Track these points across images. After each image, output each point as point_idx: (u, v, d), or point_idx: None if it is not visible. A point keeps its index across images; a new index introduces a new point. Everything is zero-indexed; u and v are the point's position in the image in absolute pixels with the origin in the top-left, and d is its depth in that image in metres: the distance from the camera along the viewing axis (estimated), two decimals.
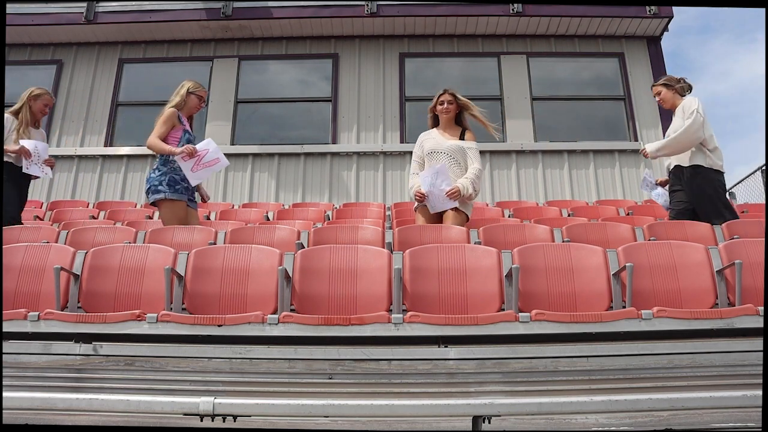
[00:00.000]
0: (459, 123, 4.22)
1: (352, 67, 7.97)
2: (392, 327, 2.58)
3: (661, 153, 4.06)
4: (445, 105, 4.11)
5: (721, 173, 4.05)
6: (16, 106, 4.38)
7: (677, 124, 4.12)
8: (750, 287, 2.94)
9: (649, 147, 4.12)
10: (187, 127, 4.17)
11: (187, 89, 4.18)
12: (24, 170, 4.22)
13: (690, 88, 4.29)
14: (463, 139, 4.13)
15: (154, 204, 4.09)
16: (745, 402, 1.90)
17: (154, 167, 4.09)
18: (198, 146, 3.99)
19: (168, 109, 4.08)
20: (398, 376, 2.44)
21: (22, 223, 4.29)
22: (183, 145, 3.98)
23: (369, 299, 2.97)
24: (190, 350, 2.55)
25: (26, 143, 4.23)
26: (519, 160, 7.49)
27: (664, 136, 4.65)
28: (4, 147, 4.16)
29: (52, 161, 4.44)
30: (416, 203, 4.12)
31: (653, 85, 4.39)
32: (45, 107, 4.49)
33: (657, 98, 4.33)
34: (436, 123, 4.24)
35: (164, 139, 4.00)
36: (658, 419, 2.33)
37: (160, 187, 3.98)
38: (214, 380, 2.46)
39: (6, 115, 4.32)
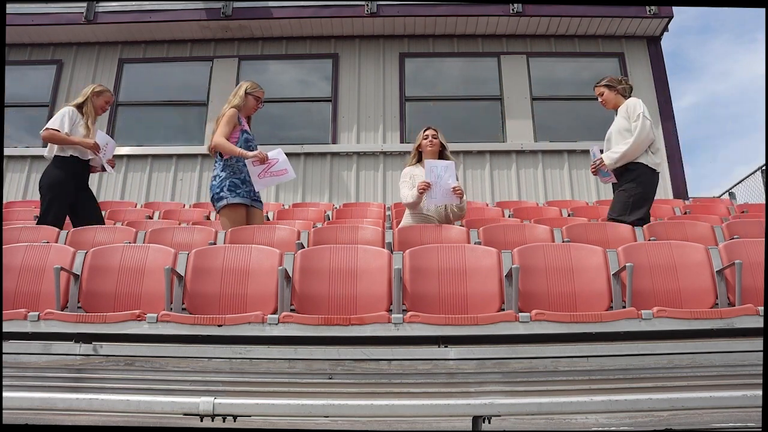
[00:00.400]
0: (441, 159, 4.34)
1: (352, 67, 7.98)
2: (392, 327, 2.58)
3: (619, 164, 4.02)
4: (430, 139, 4.24)
5: (657, 173, 4.09)
6: (78, 100, 4.38)
7: (621, 124, 4.12)
8: (750, 287, 2.94)
9: (607, 160, 4.05)
10: (246, 127, 4.13)
11: (245, 90, 4.16)
12: (92, 163, 4.27)
13: (631, 89, 4.31)
14: None
15: (220, 212, 4.04)
16: (745, 402, 1.90)
17: (214, 174, 4.05)
18: (269, 154, 3.94)
19: (229, 110, 4.05)
20: (398, 376, 2.44)
21: (60, 225, 4.20)
22: (241, 146, 3.96)
23: (369, 299, 2.97)
24: (190, 350, 2.55)
25: (100, 138, 4.25)
26: (519, 160, 7.49)
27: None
28: (74, 139, 4.17)
29: (113, 162, 4.46)
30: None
31: (595, 86, 4.36)
32: (106, 104, 4.49)
33: (599, 99, 4.32)
34: (418, 159, 4.33)
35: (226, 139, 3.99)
36: (658, 419, 2.33)
37: (221, 194, 3.94)
38: (214, 380, 2.46)
39: (69, 107, 4.31)
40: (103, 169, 4.43)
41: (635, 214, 3.95)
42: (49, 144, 4.27)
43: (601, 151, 4.21)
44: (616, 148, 4.06)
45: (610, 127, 4.29)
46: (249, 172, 3.94)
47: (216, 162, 4.08)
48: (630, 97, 4.26)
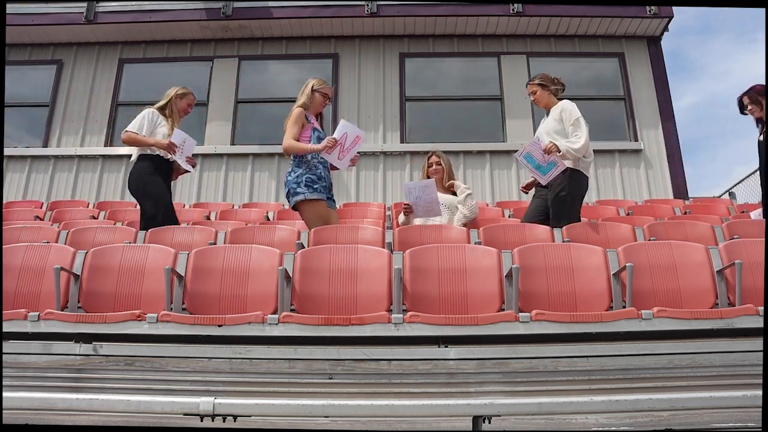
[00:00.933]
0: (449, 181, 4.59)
1: (352, 67, 7.97)
2: (392, 327, 2.58)
3: (565, 159, 3.96)
4: (434, 167, 4.46)
5: (588, 178, 4.12)
6: (161, 103, 4.35)
7: (551, 126, 4.08)
8: (750, 287, 2.94)
9: (563, 147, 3.93)
10: (316, 125, 4.10)
11: (312, 87, 4.11)
12: (170, 159, 4.20)
13: (564, 89, 4.28)
14: (455, 195, 4.46)
15: (295, 208, 4.02)
16: (745, 402, 1.90)
17: (289, 170, 4.04)
18: (336, 135, 3.91)
19: (295, 109, 4.04)
20: (398, 376, 2.44)
21: (175, 220, 4.19)
22: (313, 143, 3.96)
23: (369, 299, 2.97)
24: (190, 350, 2.55)
25: (176, 137, 4.18)
26: None
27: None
28: (150, 140, 4.13)
29: (194, 161, 4.37)
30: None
31: (528, 83, 4.32)
32: (188, 107, 4.44)
33: (531, 97, 4.28)
34: None
35: (296, 140, 3.97)
36: (658, 419, 2.33)
37: (298, 189, 3.91)
38: (214, 380, 2.46)
39: (150, 109, 4.29)
40: (186, 171, 4.36)
41: (575, 216, 4.02)
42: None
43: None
44: (569, 142, 3.96)
45: (540, 128, 4.24)
46: (328, 161, 3.95)
47: (292, 158, 4.07)
48: (562, 98, 4.23)
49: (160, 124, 4.25)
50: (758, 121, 4.54)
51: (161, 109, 4.32)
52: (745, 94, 4.52)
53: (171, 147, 4.12)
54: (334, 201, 4.17)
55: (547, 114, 4.24)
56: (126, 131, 4.19)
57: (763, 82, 4.44)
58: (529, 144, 4.06)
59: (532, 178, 4.26)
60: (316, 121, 4.16)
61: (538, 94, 4.23)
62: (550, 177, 3.96)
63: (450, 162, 4.62)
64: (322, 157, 4.00)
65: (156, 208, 4.11)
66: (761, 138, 4.51)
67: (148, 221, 4.09)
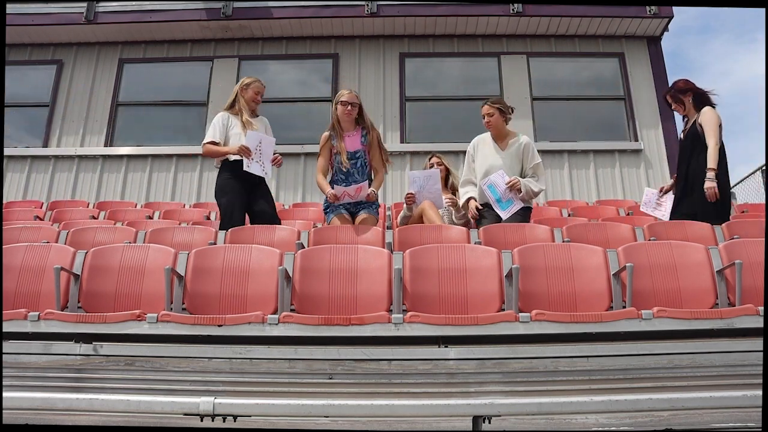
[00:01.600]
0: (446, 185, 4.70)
1: (352, 67, 7.97)
2: (392, 327, 2.58)
3: (525, 198, 4.02)
4: (435, 167, 4.53)
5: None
6: (228, 101, 4.26)
7: (513, 163, 4.09)
8: (750, 287, 2.94)
9: (524, 188, 3.97)
10: (338, 148, 4.00)
11: (334, 101, 4.09)
12: (245, 168, 3.99)
13: (511, 117, 4.31)
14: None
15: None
16: (745, 402, 1.90)
17: None
18: (335, 189, 3.87)
19: (320, 140, 4.11)
20: (398, 376, 2.44)
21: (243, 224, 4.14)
22: (336, 170, 4.05)
23: (369, 299, 2.97)
24: (191, 350, 2.55)
25: (249, 140, 4.00)
26: None
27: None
28: (222, 150, 4.06)
29: (279, 159, 4.14)
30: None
31: (486, 104, 4.25)
32: (256, 95, 4.28)
33: (486, 118, 4.21)
34: None
35: (325, 169, 4.07)
36: (658, 419, 2.33)
37: (324, 212, 4.15)
38: (214, 380, 2.46)
39: (220, 113, 4.21)
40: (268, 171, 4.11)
41: None
42: None
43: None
44: (531, 184, 4.03)
45: (489, 157, 4.17)
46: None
47: None
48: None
49: (232, 126, 4.15)
50: (684, 117, 4.42)
51: (230, 108, 4.22)
52: (667, 92, 4.43)
53: (242, 151, 3.98)
54: (371, 208, 4.04)
55: (496, 141, 4.22)
56: (203, 143, 4.15)
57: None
58: (494, 175, 4.07)
59: (475, 209, 4.21)
60: (356, 132, 4.08)
61: (495, 117, 4.19)
62: (509, 213, 4.01)
63: (452, 170, 4.74)
64: (340, 175, 4.06)
65: (228, 215, 4.07)
66: (681, 137, 4.41)
67: (222, 225, 4.07)
